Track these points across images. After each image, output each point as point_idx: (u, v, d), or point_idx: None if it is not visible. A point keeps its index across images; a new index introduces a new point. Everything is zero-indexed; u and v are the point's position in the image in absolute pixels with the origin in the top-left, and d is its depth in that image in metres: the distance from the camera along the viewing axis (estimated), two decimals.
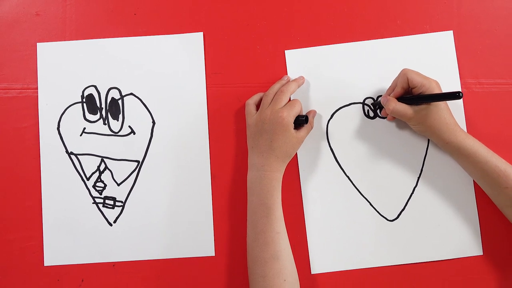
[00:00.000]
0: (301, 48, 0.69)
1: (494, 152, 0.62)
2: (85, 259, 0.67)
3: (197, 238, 0.67)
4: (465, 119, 0.67)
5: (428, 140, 0.67)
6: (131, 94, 0.69)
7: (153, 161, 0.68)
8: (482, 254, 0.66)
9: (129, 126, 0.68)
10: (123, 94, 0.69)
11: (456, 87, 0.68)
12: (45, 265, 0.67)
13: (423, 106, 0.61)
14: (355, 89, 0.68)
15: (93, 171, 0.68)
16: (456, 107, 0.67)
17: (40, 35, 0.69)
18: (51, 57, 0.69)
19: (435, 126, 0.61)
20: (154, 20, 0.69)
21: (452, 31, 0.69)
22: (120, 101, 0.69)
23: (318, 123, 0.68)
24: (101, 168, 0.68)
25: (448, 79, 0.67)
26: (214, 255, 0.67)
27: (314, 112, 0.68)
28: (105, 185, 0.68)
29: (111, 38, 0.69)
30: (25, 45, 0.69)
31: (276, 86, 0.66)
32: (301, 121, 0.64)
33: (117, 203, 0.68)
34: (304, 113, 0.67)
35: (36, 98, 0.68)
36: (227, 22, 0.69)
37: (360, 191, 0.67)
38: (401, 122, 0.67)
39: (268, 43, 0.69)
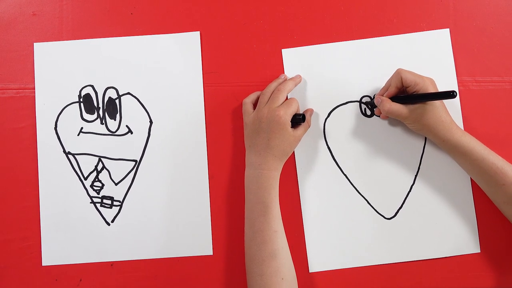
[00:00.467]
0: (298, 46, 0.69)
1: (491, 149, 0.62)
2: (83, 259, 0.67)
3: (195, 237, 0.67)
4: (462, 117, 0.68)
5: (425, 138, 0.67)
6: (128, 93, 0.69)
7: (150, 161, 0.68)
8: (479, 251, 0.66)
9: (127, 126, 0.68)
10: (120, 93, 0.69)
11: (452, 85, 0.68)
12: (43, 265, 0.67)
13: (418, 105, 0.61)
14: (352, 88, 0.68)
15: (91, 171, 0.68)
16: (453, 105, 0.67)
17: (36, 35, 0.69)
18: (48, 57, 0.69)
19: (431, 125, 0.61)
20: (150, 19, 0.69)
21: (448, 29, 0.69)
22: (117, 101, 0.69)
23: (315, 122, 0.68)
24: (99, 167, 0.68)
25: (444, 77, 0.67)
26: (212, 254, 0.67)
27: (311, 110, 0.68)
28: (103, 185, 0.68)
29: (108, 37, 0.69)
30: (22, 45, 0.69)
31: (273, 85, 0.66)
32: (298, 120, 0.64)
33: (114, 203, 0.68)
34: (301, 112, 0.68)
35: (33, 98, 0.68)
36: (223, 21, 0.69)
37: (358, 189, 0.67)
38: (397, 120, 0.67)
39: (265, 42, 0.69)
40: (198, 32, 0.69)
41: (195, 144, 0.68)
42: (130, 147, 0.68)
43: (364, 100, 0.68)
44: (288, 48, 0.69)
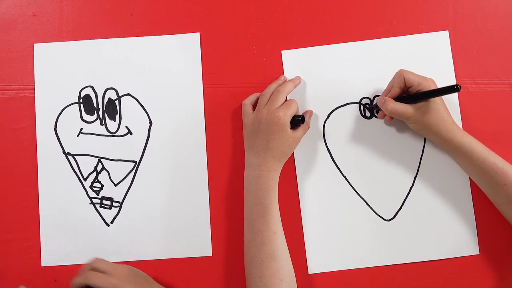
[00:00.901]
0: (297, 48, 0.69)
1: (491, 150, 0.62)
2: (83, 260, 0.66)
3: (194, 238, 0.67)
4: (461, 119, 0.68)
5: (425, 139, 0.68)
6: (128, 94, 0.69)
7: (150, 162, 0.68)
8: (478, 253, 0.66)
9: (126, 127, 0.69)
10: (120, 94, 0.69)
11: None
12: (42, 265, 0.67)
13: (421, 104, 0.61)
14: (351, 89, 0.68)
15: (90, 172, 0.68)
16: (452, 106, 0.67)
17: (36, 35, 0.69)
18: (48, 57, 0.69)
19: (433, 124, 0.61)
20: (150, 20, 0.69)
21: (447, 31, 0.69)
22: (117, 102, 0.69)
23: (315, 123, 0.68)
24: (98, 168, 0.68)
25: (444, 79, 0.67)
26: (211, 255, 0.67)
27: (311, 112, 0.68)
28: (102, 186, 0.68)
29: (108, 38, 0.69)
30: (22, 46, 0.69)
31: (273, 86, 0.66)
32: (297, 121, 0.64)
33: (114, 204, 0.68)
34: (300, 113, 0.68)
35: (33, 99, 0.68)
36: (223, 22, 0.69)
37: (357, 190, 0.67)
38: (397, 122, 0.67)
39: (264, 43, 0.69)
40: (198, 33, 0.69)
41: (194, 145, 0.68)
42: (129, 148, 0.68)
43: (363, 101, 0.68)
44: (287, 49, 0.69)
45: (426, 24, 0.69)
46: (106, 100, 0.69)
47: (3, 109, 0.68)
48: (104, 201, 0.68)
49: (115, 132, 0.68)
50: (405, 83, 0.62)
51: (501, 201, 0.62)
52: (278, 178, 0.63)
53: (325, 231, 0.67)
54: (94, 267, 0.61)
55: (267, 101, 0.64)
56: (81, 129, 0.68)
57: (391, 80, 0.65)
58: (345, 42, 0.69)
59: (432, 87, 0.61)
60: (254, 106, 0.67)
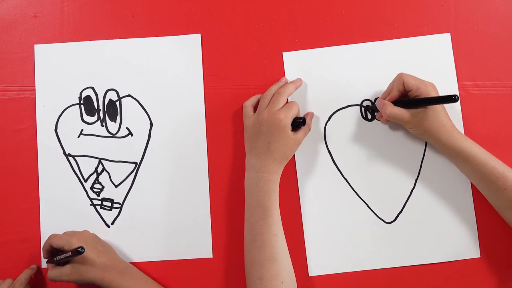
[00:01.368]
0: (299, 50, 0.69)
1: (492, 154, 0.62)
2: None
3: (195, 240, 0.67)
4: (463, 122, 0.67)
5: (426, 142, 0.67)
6: (129, 95, 0.69)
7: (150, 163, 0.68)
8: (479, 256, 0.66)
9: (127, 128, 0.68)
10: (120, 95, 0.69)
11: (453, 89, 0.68)
12: (42, 267, 0.67)
13: (419, 110, 0.61)
14: (352, 91, 0.68)
15: (91, 173, 0.68)
16: (454, 110, 0.67)
17: (37, 36, 0.69)
18: (49, 58, 0.69)
19: (432, 129, 0.61)
20: (151, 21, 0.69)
21: (449, 33, 0.69)
22: (117, 103, 0.69)
23: (316, 125, 0.68)
24: (99, 169, 0.68)
25: (445, 81, 0.67)
26: (212, 256, 0.67)
27: (312, 114, 0.68)
28: (103, 187, 0.68)
29: (109, 39, 0.69)
30: (23, 47, 0.69)
31: (274, 88, 0.66)
32: (298, 123, 0.64)
33: (114, 205, 0.68)
34: (301, 115, 0.67)
35: (33, 100, 0.68)
36: (224, 23, 0.69)
37: (358, 193, 0.67)
38: (398, 125, 0.67)
39: (266, 45, 0.69)
40: (199, 35, 0.69)
41: (195, 146, 0.68)
42: (130, 149, 0.68)
43: (364, 104, 0.68)
44: (289, 51, 0.69)
45: (428, 26, 0.69)
46: (106, 101, 0.69)
47: (3, 110, 0.68)
48: (104, 203, 0.68)
49: (115, 133, 0.68)
50: (404, 86, 0.62)
51: (501, 205, 0.62)
52: (279, 180, 0.63)
53: (326, 233, 0.67)
54: (64, 232, 0.65)
55: (268, 103, 0.64)
56: (82, 130, 0.68)
57: (391, 83, 0.64)
58: (347, 44, 0.69)
59: (431, 92, 0.60)
60: (255, 108, 0.66)
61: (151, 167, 0.68)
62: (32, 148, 0.68)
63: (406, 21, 0.69)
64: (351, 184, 0.67)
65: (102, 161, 0.68)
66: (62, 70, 0.69)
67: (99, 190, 0.68)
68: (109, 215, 0.68)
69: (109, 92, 0.69)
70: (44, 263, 0.66)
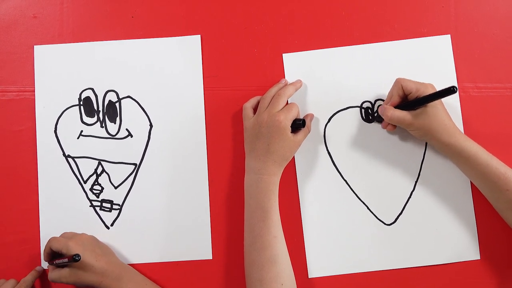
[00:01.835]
0: (299, 51, 0.69)
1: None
2: None
3: (194, 241, 0.67)
4: (463, 123, 0.67)
5: (426, 144, 0.67)
6: (129, 96, 0.69)
7: (150, 164, 0.68)
8: (479, 258, 0.66)
9: (127, 129, 0.68)
10: (120, 97, 0.69)
11: None
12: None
13: (420, 110, 0.61)
14: (352, 93, 0.68)
15: (90, 174, 0.68)
16: (454, 111, 0.67)
17: (37, 37, 0.69)
18: (48, 59, 0.69)
19: (434, 129, 0.61)
20: (151, 22, 0.69)
21: (449, 35, 0.69)
22: (117, 104, 0.69)
23: (316, 127, 0.68)
24: (98, 171, 0.68)
25: (445, 83, 0.65)
26: (211, 258, 0.67)
27: (312, 115, 0.68)
28: (102, 188, 0.68)
29: (109, 40, 0.69)
30: (22, 48, 0.69)
31: (274, 90, 0.66)
32: (298, 125, 0.64)
33: (114, 206, 0.68)
34: (301, 117, 0.67)
35: (33, 101, 0.68)
36: (224, 25, 0.69)
37: (358, 195, 0.67)
38: (399, 127, 0.67)
39: (265, 46, 0.69)
40: (199, 36, 0.69)
41: (195, 147, 0.68)
42: (130, 150, 0.68)
43: (364, 105, 0.68)
44: (289, 52, 0.69)
45: (428, 28, 0.69)
46: (106, 102, 0.68)
47: (3, 111, 0.68)
48: (104, 204, 0.68)
49: (115, 135, 0.68)
50: (403, 90, 0.62)
51: (503, 206, 0.62)
52: (279, 182, 0.63)
53: (326, 235, 0.67)
54: (61, 235, 0.65)
55: (268, 104, 0.64)
56: (81, 131, 0.68)
57: (391, 89, 0.64)
58: (347, 45, 0.69)
59: (431, 92, 0.60)
60: (255, 109, 0.66)
61: (150, 168, 0.68)
62: (32, 149, 0.68)
63: (406, 22, 0.69)
64: (351, 186, 0.67)
65: (101, 162, 0.68)
66: (62, 71, 0.69)
67: (98, 192, 0.68)
68: (108, 217, 0.67)
69: (108, 93, 0.69)
70: (44, 265, 0.66)
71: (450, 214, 0.66)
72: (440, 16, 0.69)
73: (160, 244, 0.67)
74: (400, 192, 0.67)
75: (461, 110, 0.68)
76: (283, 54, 0.69)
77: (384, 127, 0.66)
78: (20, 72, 0.68)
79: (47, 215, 0.67)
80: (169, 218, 0.67)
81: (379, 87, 0.68)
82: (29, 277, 0.64)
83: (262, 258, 0.59)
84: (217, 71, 0.69)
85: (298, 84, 0.67)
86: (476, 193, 0.66)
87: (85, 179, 0.68)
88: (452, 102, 0.67)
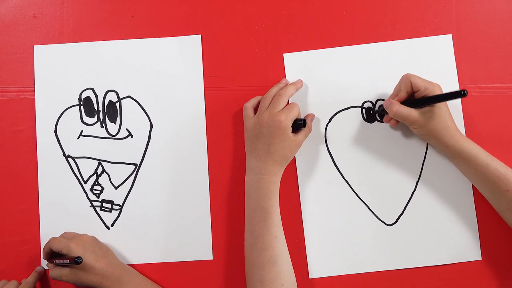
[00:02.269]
0: (299, 51, 0.69)
1: (493, 156, 0.61)
2: None
3: (195, 242, 0.67)
4: (464, 123, 0.67)
5: (427, 144, 0.67)
6: (129, 97, 0.68)
7: (150, 164, 0.68)
8: (480, 259, 0.66)
9: (127, 129, 0.68)
10: (120, 97, 0.68)
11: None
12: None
13: (426, 109, 0.61)
14: (353, 93, 0.68)
15: (91, 174, 0.68)
16: (455, 111, 0.67)
17: (37, 37, 0.69)
18: (48, 59, 0.68)
19: (436, 130, 0.61)
20: (151, 22, 0.69)
21: (451, 34, 0.68)
22: (117, 104, 0.68)
23: (317, 127, 0.68)
24: (99, 171, 0.68)
25: (447, 82, 0.67)
26: (212, 258, 0.66)
27: (313, 115, 0.67)
28: (103, 188, 0.68)
29: (109, 40, 0.69)
30: (22, 48, 0.69)
31: (274, 90, 0.66)
32: (299, 125, 0.64)
33: (114, 207, 0.67)
34: (302, 117, 0.67)
35: (33, 101, 0.68)
36: (225, 24, 0.69)
37: (359, 195, 0.67)
38: (400, 126, 0.67)
39: (266, 46, 0.69)
40: (199, 36, 0.69)
41: (195, 148, 0.68)
42: (130, 150, 0.68)
43: (365, 105, 0.68)
44: (289, 52, 0.69)
45: (429, 28, 0.68)
46: (106, 102, 0.68)
47: (3, 111, 0.68)
48: (104, 204, 0.67)
49: (115, 135, 0.68)
50: (411, 87, 0.61)
51: (503, 207, 0.62)
52: (279, 182, 0.63)
53: (326, 236, 0.66)
54: (62, 235, 0.65)
55: (269, 104, 0.64)
56: (82, 131, 0.68)
57: (397, 84, 0.64)
58: (348, 45, 0.68)
59: (438, 93, 0.60)
60: (256, 109, 0.66)
61: (151, 168, 0.68)
62: (32, 149, 0.67)
63: (407, 22, 0.69)
64: (352, 186, 0.67)
65: (102, 162, 0.68)
66: (62, 71, 0.68)
67: (99, 192, 0.68)
68: (109, 217, 0.67)
69: (109, 93, 0.68)
70: (44, 265, 0.66)
71: (452, 215, 0.66)
72: (441, 16, 0.69)
73: (160, 245, 0.67)
74: (401, 192, 0.67)
75: (463, 110, 0.67)
76: (284, 54, 0.69)
77: (386, 122, 0.66)
78: (20, 72, 0.68)
79: (47, 216, 0.67)
80: (170, 219, 0.67)
81: (380, 87, 0.68)
82: (30, 279, 0.64)
83: (263, 258, 0.59)
84: (217, 71, 0.69)
85: (298, 84, 0.67)
86: (477, 193, 0.66)
87: (85, 179, 0.68)
88: (453, 102, 0.66)
